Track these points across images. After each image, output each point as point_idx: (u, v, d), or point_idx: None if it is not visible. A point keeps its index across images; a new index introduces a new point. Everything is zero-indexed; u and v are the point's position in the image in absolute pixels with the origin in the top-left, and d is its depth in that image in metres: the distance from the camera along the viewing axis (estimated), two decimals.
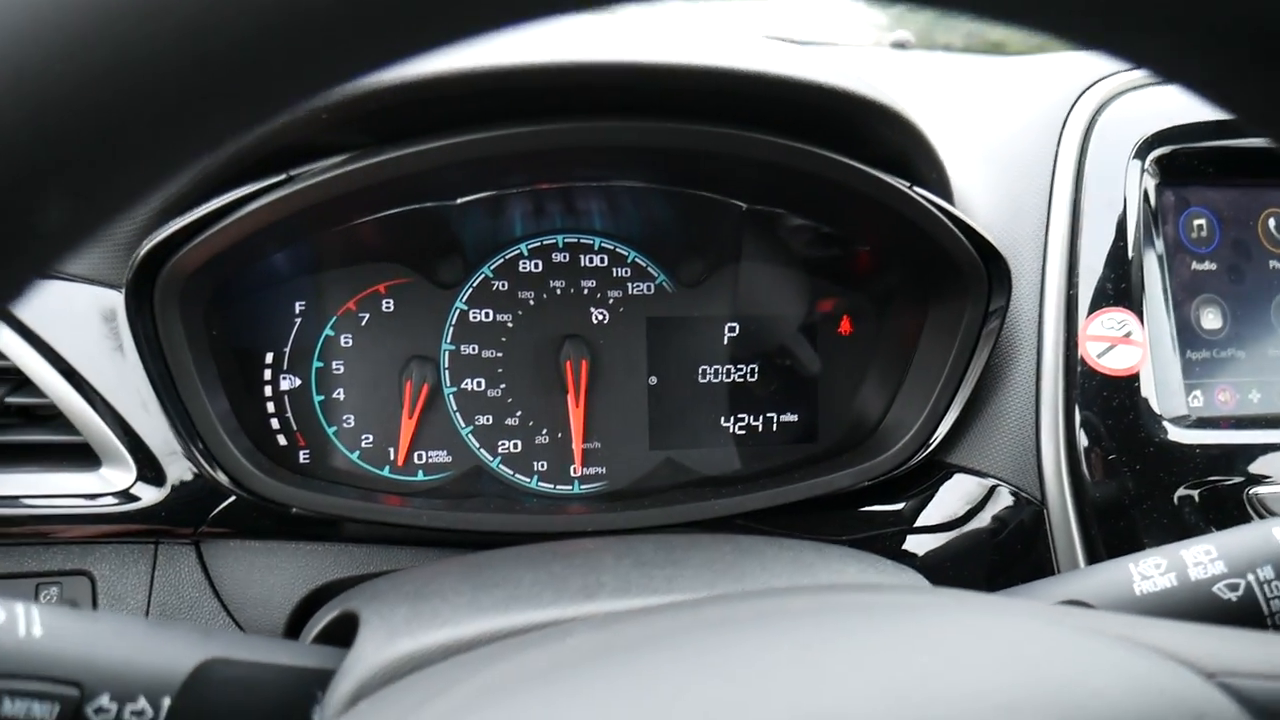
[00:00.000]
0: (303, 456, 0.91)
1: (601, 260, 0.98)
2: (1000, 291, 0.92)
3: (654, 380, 1.00)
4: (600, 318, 0.98)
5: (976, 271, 0.91)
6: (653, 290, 0.99)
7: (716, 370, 1.01)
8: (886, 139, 0.86)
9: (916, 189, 0.87)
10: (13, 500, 0.80)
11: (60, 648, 0.50)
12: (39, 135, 0.27)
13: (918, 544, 0.96)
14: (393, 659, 0.57)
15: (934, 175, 0.90)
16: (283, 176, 0.76)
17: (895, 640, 0.49)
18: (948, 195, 0.92)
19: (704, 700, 0.44)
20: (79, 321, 0.82)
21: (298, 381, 0.91)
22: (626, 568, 0.66)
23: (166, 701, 0.52)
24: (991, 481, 0.96)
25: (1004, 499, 0.96)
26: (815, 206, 0.95)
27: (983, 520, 0.96)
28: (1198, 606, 0.67)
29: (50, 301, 0.82)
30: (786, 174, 0.85)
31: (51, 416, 0.83)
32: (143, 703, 0.51)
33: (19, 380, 0.83)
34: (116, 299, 0.81)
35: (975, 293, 0.92)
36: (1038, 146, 1.03)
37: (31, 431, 0.83)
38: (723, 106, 0.80)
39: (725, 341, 1.01)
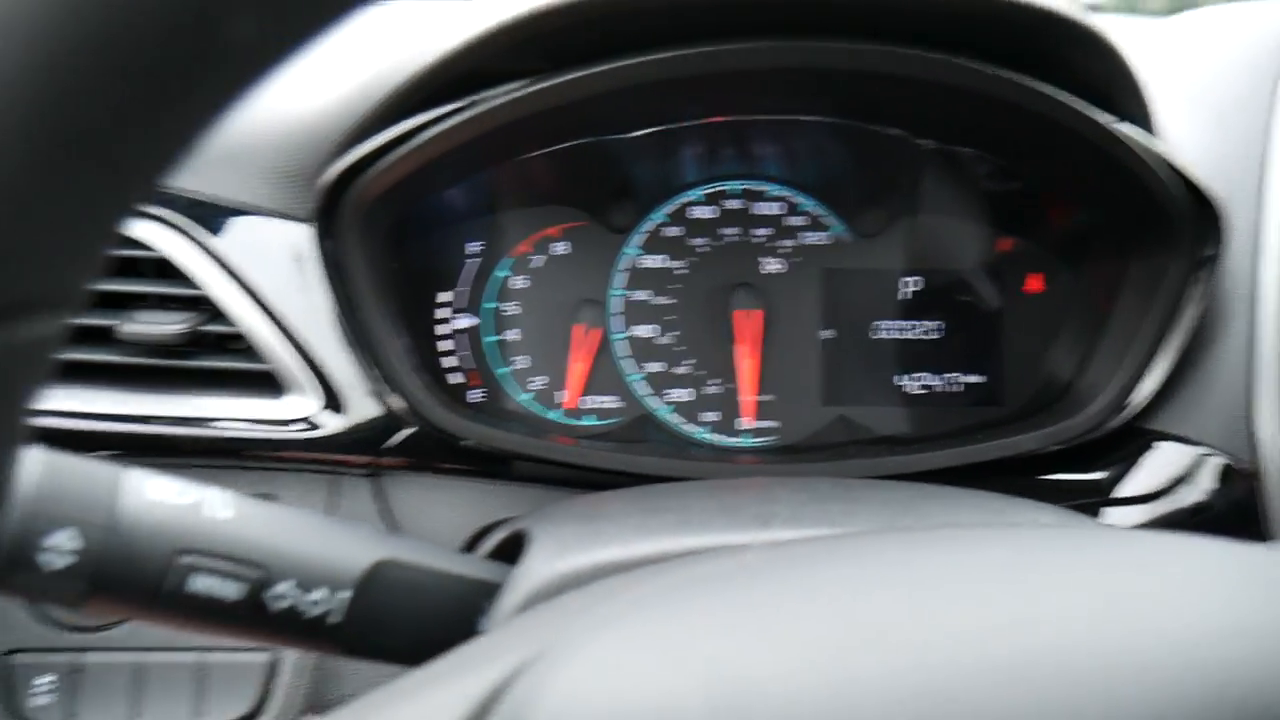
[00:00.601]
0: (475, 396, 0.92)
1: (777, 208, 0.96)
2: (1212, 239, 0.84)
3: (828, 334, 0.96)
4: (774, 268, 0.95)
5: (1186, 217, 0.83)
6: (829, 240, 0.96)
7: (895, 326, 0.97)
8: (1089, 68, 0.80)
9: (1123, 124, 0.81)
10: (203, 422, 0.83)
11: (247, 531, 0.51)
12: None
13: (1115, 516, 0.89)
14: (561, 573, 0.56)
15: (1139, 111, 0.83)
16: (464, 102, 0.76)
17: (1127, 569, 0.45)
18: (1152, 134, 0.85)
19: (911, 613, 0.41)
20: (268, 255, 0.85)
21: (472, 321, 0.92)
22: (801, 500, 0.64)
23: (344, 595, 0.52)
24: (1200, 450, 0.88)
25: (1214, 470, 0.88)
26: (1007, 144, 0.89)
27: (1190, 493, 0.88)
28: None
29: (241, 235, 0.85)
30: (980, 104, 0.80)
31: (239, 346, 0.86)
32: (323, 593, 0.51)
33: (213, 311, 0.86)
34: (303, 233, 0.84)
35: (1184, 241, 0.84)
36: (1251, 91, 0.94)
37: (221, 359, 0.86)
38: (912, 27, 0.76)
39: (904, 296, 0.97)
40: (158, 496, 0.50)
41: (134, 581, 0.48)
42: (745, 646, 0.39)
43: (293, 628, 0.52)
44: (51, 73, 0.27)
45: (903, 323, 0.97)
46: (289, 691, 0.83)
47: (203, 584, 0.49)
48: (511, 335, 0.93)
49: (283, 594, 0.51)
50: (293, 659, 0.83)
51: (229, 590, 0.50)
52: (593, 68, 0.76)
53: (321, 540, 0.53)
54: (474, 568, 0.59)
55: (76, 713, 0.80)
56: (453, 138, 0.77)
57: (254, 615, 0.51)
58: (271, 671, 0.83)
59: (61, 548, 0.46)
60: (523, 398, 0.93)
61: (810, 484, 0.67)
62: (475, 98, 0.77)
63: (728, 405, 0.95)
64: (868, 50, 0.79)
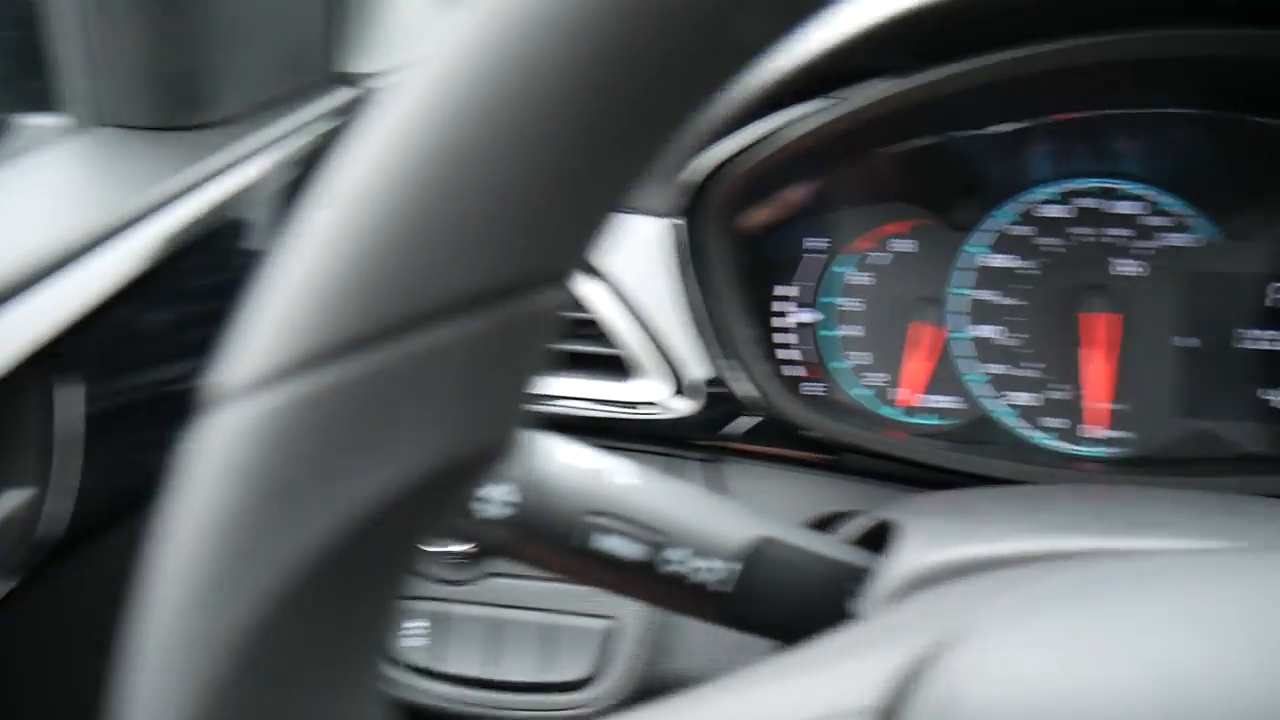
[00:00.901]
0: (812, 388, 0.94)
1: (1135, 208, 0.91)
2: None
3: (1188, 341, 0.90)
4: (1129, 270, 0.91)
5: None
6: (1192, 242, 0.90)
7: (1266, 336, 0.89)
8: None
9: None
10: (558, 400, 0.89)
11: (648, 499, 0.54)
12: None
13: None
14: (936, 564, 0.56)
15: None
16: (831, 100, 0.78)
17: None
18: None
19: None
20: (625, 248, 0.90)
21: (814, 316, 0.93)
22: (1186, 511, 0.60)
23: (733, 566, 0.55)
24: None
25: None
26: None
27: None
28: None
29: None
30: None
31: (591, 332, 0.91)
32: (715, 563, 0.54)
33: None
34: (657, 227, 0.88)
35: None
36: None
37: (577, 343, 0.92)
38: None
39: (1278, 303, 0.89)
40: (567, 460, 0.55)
41: (548, 534, 0.53)
42: (1186, 646, 0.38)
43: (676, 591, 0.55)
44: (591, 66, 0.30)
45: (1275, 332, 0.89)
46: (627, 660, 0.87)
47: (606, 543, 0.53)
48: (849, 330, 0.94)
49: (673, 559, 0.54)
50: (632, 630, 0.87)
51: (629, 550, 0.53)
52: (961, 63, 0.75)
53: (712, 513, 0.56)
54: (845, 552, 0.60)
55: (443, 656, 0.88)
56: (813, 135, 0.78)
57: (644, 575, 0.54)
58: (609, 638, 0.88)
59: (500, 499, 0.51)
60: (856, 392, 0.94)
61: (1198, 497, 0.63)
62: (838, 95, 0.78)
63: (1073, 411, 0.91)
64: (1253, 36, 0.74)
